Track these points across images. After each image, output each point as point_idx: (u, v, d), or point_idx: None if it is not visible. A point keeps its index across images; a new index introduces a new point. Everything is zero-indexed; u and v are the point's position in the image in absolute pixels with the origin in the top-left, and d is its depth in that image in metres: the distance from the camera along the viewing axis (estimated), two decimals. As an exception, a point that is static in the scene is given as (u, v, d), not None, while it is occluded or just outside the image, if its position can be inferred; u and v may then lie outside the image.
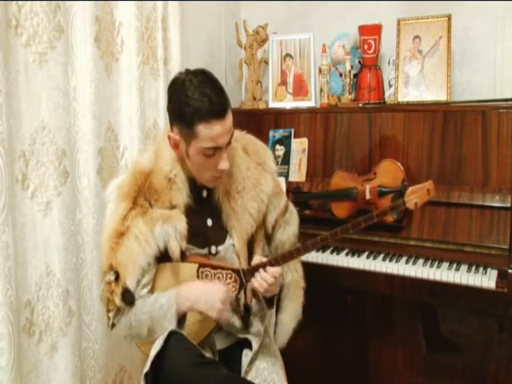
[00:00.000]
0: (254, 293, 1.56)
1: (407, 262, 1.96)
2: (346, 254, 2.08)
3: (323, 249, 2.12)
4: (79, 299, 1.88)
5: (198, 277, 1.52)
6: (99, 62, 1.91)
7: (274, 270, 1.48)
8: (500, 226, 1.91)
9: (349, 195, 2.13)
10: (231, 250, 1.57)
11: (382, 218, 1.49)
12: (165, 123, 2.21)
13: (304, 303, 1.70)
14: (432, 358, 2.10)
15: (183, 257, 1.51)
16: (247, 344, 1.57)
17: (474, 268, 1.87)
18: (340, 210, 2.17)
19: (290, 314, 1.68)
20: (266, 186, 1.62)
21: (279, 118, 2.47)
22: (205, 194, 1.57)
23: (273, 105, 2.61)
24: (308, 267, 1.77)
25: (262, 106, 2.60)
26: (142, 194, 1.50)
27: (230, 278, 1.50)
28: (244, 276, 1.50)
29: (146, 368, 1.37)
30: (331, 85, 2.46)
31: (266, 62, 2.66)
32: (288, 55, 2.59)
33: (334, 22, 2.57)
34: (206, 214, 1.57)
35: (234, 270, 1.51)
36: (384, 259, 2.00)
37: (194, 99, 1.39)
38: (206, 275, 1.52)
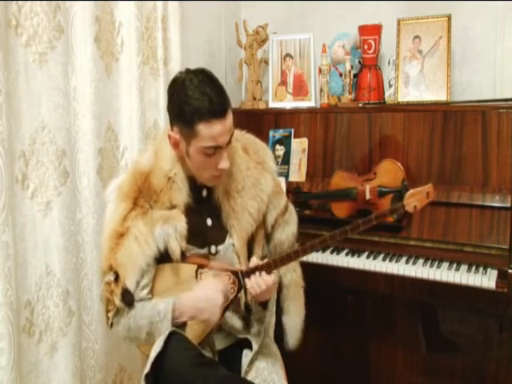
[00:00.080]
0: None
1: (407, 262, 1.97)
2: (346, 254, 2.08)
3: (323, 249, 2.12)
4: (79, 299, 1.88)
5: (196, 278, 1.52)
6: (99, 62, 1.91)
7: (268, 278, 1.47)
8: (500, 225, 1.91)
9: (349, 195, 2.13)
10: (231, 249, 1.57)
11: (381, 220, 1.49)
12: (165, 123, 2.21)
13: (305, 302, 1.70)
14: (432, 358, 2.10)
15: (183, 257, 1.51)
16: (247, 344, 1.57)
17: (473, 268, 1.87)
18: (340, 210, 2.17)
19: (295, 314, 1.69)
20: (265, 186, 1.62)
21: (279, 117, 2.48)
22: (204, 193, 1.57)
23: (273, 105, 2.61)
24: (308, 267, 1.77)
25: (261, 106, 2.60)
26: (143, 195, 1.50)
27: (229, 279, 1.50)
28: (243, 278, 1.50)
29: (147, 369, 1.36)
30: (331, 85, 2.46)
31: (266, 62, 2.66)
32: (288, 55, 2.59)
33: (334, 22, 2.57)
34: (205, 214, 1.57)
35: (232, 272, 1.51)
36: (384, 259, 2.00)
37: (194, 98, 1.40)
38: (205, 277, 1.52)
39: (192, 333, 1.48)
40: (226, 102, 1.44)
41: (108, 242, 1.49)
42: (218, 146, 1.43)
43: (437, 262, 1.94)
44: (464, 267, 1.88)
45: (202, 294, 1.45)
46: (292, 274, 1.69)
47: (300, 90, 2.56)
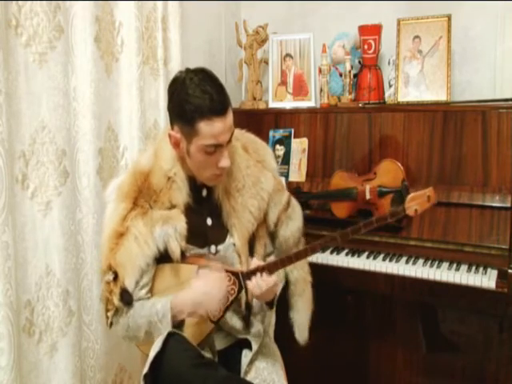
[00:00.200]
0: None
1: (407, 262, 1.96)
2: (346, 254, 2.08)
3: (323, 249, 2.12)
4: (79, 299, 1.88)
5: (197, 278, 1.52)
6: (99, 62, 1.91)
7: (269, 279, 1.47)
8: (500, 225, 1.91)
9: (349, 195, 2.13)
10: (231, 249, 1.57)
11: (382, 223, 1.49)
12: (165, 123, 2.21)
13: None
14: (432, 358, 2.10)
15: (183, 257, 1.51)
16: (247, 344, 1.57)
17: (473, 268, 1.87)
18: (340, 210, 2.17)
19: (302, 310, 1.69)
20: (266, 184, 1.62)
21: (279, 117, 2.47)
22: (204, 193, 1.57)
23: (273, 105, 2.60)
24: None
25: (262, 106, 2.60)
26: (142, 195, 1.50)
27: (229, 280, 1.49)
28: (243, 279, 1.50)
29: (145, 370, 1.37)
30: (331, 85, 2.46)
31: (266, 62, 2.66)
32: (288, 55, 2.59)
33: (334, 22, 2.57)
34: (205, 214, 1.57)
35: (233, 273, 1.50)
36: (384, 259, 2.00)
37: (195, 97, 1.40)
38: None
39: (192, 333, 1.49)
40: (227, 100, 1.44)
41: (108, 242, 1.49)
42: (218, 144, 1.43)
43: (437, 262, 1.94)
44: (464, 267, 1.88)
45: (199, 289, 1.45)
46: (299, 271, 1.69)
47: (300, 89, 2.56)
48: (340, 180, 2.20)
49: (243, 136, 1.67)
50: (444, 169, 2.08)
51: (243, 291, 1.52)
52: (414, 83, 2.24)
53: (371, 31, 2.32)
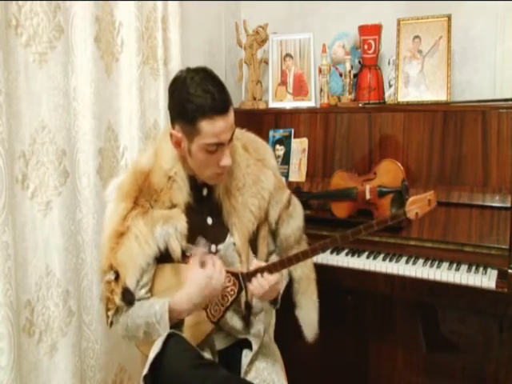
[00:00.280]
0: None
1: (407, 262, 1.96)
2: (346, 254, 2.08)
3: (323, 249, 2.11)
4: (79, 299, 1.88)
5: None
6: (99, 62, 1.91)
7: (270, 278, 1.47)
8: (500, 225, 1.91)
9: (349, 195, 2.13)
10: (232, 248, 1.57)
11: (382, 226, 1.49)
12: (165, 123, 2.21)
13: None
14: (432, 358, 2.10)
15: (184, 257, 1.51)
16: (247, 344, 1.57)
17: (473, 268, 1.87)
18: (340, 210, 2.17)
19: (307, 307, 1.69)
20: (266, 183, 1.62)
21: (279, 118, 2.47)
22: (205, 192, 1.57)
23: (273, 105, 2.60)
24: (308, 267, 1.77)
25: (262, 106, 2.60)
26: (143, 194, 1.50)
27: (229, 281, 1.49)
28: (243, 280, 1.50)
29: (145, 371, 1.36)
30: (331, 85, 2.46)
31: (266, 62, 2.66)
32: (288, 55, 2.59)
33: (334, 22, 2.57)
34: (206, 213, 1.57)
35: (233, 274, 1.50)
36: (384, 259, 2.00)
37: (196, 96, 1.40)
38: None
39: (191, 333, 1.49)
40: (228, 99, 1.44)
41: (108, 241, 1.49)
42: (220, 143, 1.44)
43: (437, 262, 1.94)
44: (464, 267, 1.88)
45: (194, 287, 1.43)
46: (302, 268, 1.69)
47: (300, 89, 2.56)
48: (340, 180, 2.20)
49: (243, 135, 1.67)
50: (444, 169, 2.08)
51: (243, 292, 1.52)
52: (414, 83, 2.24)
53: (371, 31, 2.32)
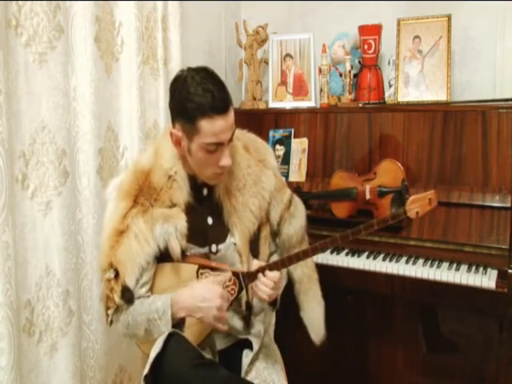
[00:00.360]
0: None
1: (407, 262, 1.96)
2: (346, 254, 2.08)
3: (323, 249, 2.11)
4: (79, 299, 1.88)
5: (197, 278, 1.52)
6: (99, 62, 1.91)
7: (273, 275, 1.47)
8: (500, 225, 1.91)
9: (349, 195, 2.13)
10: (232, 248, 1.57)
11: (383, 226, 1.49)
12: (165, 123, 2.21)
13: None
14: (432, 358, 2.10)
15: (183, 256, 1.51)
16: (247, 344, 1.57)
17: (473, 268, 1.87)
18: (340, 210, 2.17)
19: (310, 309, 1.68)
20: (267, 183, 1.62)
21: (279, 117, 2.47)
22: (205, 192, 1.57)
23: (273, 105, 2.60)
24: (308, 267, 1.77)
25: (262, 106, 2.60)
26: (143, 193, 1.50)
27: (230, 280, 1.49)
28: (243, 279, 1.50)
29: (146, 370, 1.36)
30: (331, 85, 2.46)
31: (266, 62, 2.66)
32: (288, 55, 2.59)
33: (334, 22, 2.57)
34: (206, 213, 1.57)
35: (233, 273, 1.50)
36: (384, 259, 2.00)
37: (196, 95, 1.40)
38: (206, 277, 1.52)
39: (192, 333, 1.48)
40: (228, 98, 1.44)
41: (108, 240, 1.49)
42: (219, 143, 1.43)
43: (437, 262, 1.94)
44: (464, 267, 1.88)
45: (200, 294, 1.44)
46: (303, 268, 1.68)
47: (300, 89, 2.56)
48: (340, 180, 2.20)
49: (244, 136, 1.67)
50: (444, 169, 2.08)
51: (243, 291, 1.52)
52: (414, 83, 2.24)
53: (371, 31, 2.32)
